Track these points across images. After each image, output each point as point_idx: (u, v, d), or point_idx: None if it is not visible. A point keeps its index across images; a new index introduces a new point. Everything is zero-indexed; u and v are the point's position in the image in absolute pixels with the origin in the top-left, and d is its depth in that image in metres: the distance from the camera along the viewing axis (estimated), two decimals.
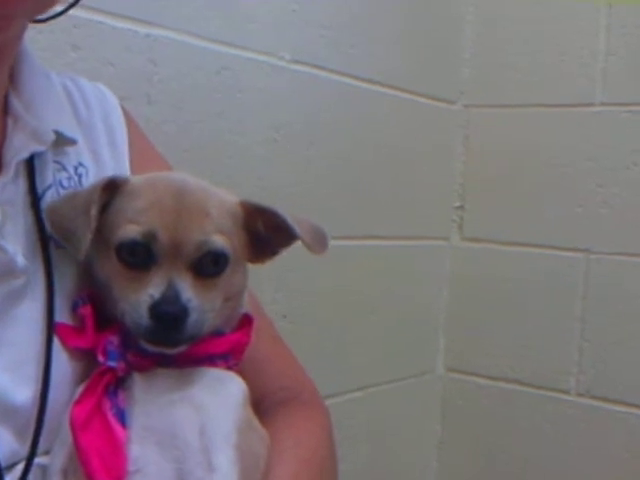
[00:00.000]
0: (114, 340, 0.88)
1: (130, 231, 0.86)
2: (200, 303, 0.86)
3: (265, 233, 0.95)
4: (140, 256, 0.86)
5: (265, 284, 1.60)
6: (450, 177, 2.16)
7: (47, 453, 0.87)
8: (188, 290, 0.85)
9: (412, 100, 2.00)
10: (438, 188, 2.14)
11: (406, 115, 1.99)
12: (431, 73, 2.07)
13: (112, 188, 0.90)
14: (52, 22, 1.23)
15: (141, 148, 1.09)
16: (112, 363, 0.87)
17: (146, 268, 0.86)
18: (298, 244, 0.94)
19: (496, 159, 2.13)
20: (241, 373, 0.96)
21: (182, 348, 0.87)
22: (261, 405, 1.02)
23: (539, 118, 2.06)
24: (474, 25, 2.14)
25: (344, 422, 1.86)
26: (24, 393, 0.85)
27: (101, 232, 0.89)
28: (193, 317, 0.84)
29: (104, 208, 0.90)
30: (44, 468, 0.86)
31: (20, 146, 0.90)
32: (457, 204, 2.18)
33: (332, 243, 1.76)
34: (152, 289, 0.84)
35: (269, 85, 1.61)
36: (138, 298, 0.84)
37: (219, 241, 0.87)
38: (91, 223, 0.86)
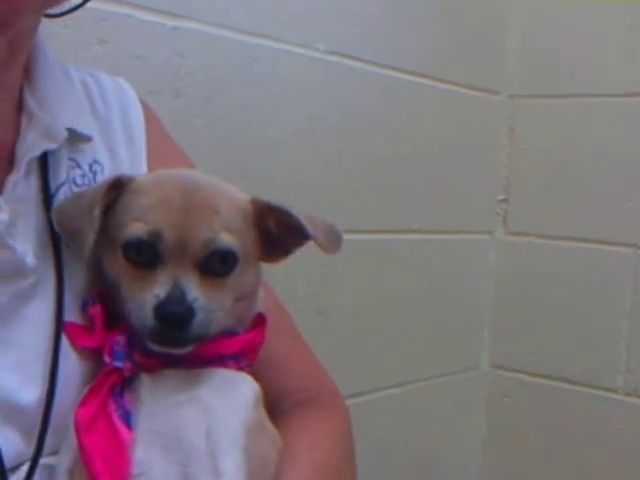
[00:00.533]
0: (121, 340, 0.87)
1: (136, 229, 0.84)
2: (207, 303, 0.84)
3: (277, 232, 0.92)
4: (146, 255, 0.84)
5: (299, 279, 1.58)
6: (494, 169, 2.11)
7: (53, 454, 0.86)
8: (194, 289, 0.83)
9: (454, 91, 1.95)
10: (482, 181, 2.09)
11: (448, 107, 1.94)
12: (474, 62, 2.02)
13: (118, 187, 0.88)
14: (78, 16, 1.23)
15: (161, 145, 1.08)
16: (118, 363, 0.86)
17: (152, 267, 0.84)
18: None
19: (542, 151, 2.07)
20: (258, 373, 0.95)
21: (189, 349, 0.85)
22: (278, 406, 1.00)
23: (587, 108, 2.00)
24: (519, 12, 2.08)
25: (381, 419, 1.83)
26: (31, 393, 0.84)
27: (108, 231, 0.88)
28: (199, 317, 0.82)
29: (111, 207, 0.88)
30: (50, 468, 0.85)
31: (32, 144, 0.89)
32: (501, 197, 2.13)
33: (370, 237, 1.76)
34: (157, 288, 0.82)
35: (303, 77, 1.59)
36: (143, 297, 0.83)
37: (227, 239, 0.85)
38: (94, 223, 0.85)
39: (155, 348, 0.84)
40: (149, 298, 0.82)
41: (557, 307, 2.04)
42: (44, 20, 1.06)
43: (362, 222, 1.75)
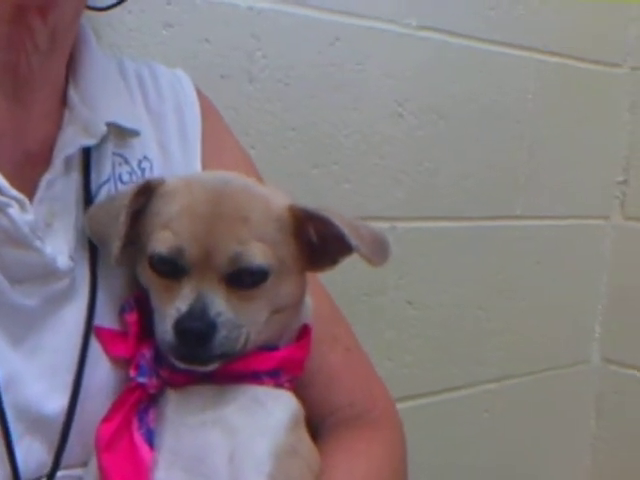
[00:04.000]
0: (147, 354, 0.83)
1: (159, 242, 0.80)
2: (233, 317, 0.78)
3: (319, 241, 0.85)
4: (170, 267, 0.80)
5: (388, 269, 1.50)
6: (613, 149, 1.95)
7: (80, 465, 0.83)
8: (219, 303, 0.78)
9: (569, 65, 1.80)
10: (599, 161, 1.93)
11: (562, 82, 1.79)
12: (592, 33, 1.84)
13: (148, 191, 0.84)
14: (141, 0, 1.19)
15: (217, 142, 1.04)
16: (142, 379, 0.82)
17: (178, 278, 0.80)
18: None
19: None
20: (306, 386, 0.90)
21: (214, 366, 0.80)
22: (325, 422, 0.95)
23: None
24: None
25: (477, 415, 1.74)
26: (57, 402, 0.82)
27: (140, 237, 0.84)
28: (222, 333, 0.77)
29: (141, 212, 0.85)
30: None
31: (69, 140, 0.87)
32: (620, 179, 1.96)
33: (466, 224, 1.66)
34: (179, 301, 0.78)
35: (392, 55, 1.48)
36: (166, 310, 0.79)
37: (256, 253, 0.79)
38: (120, 230, 0.81)
39: (178, 364, 0.80)
40: (170, 311, 0.78)
41: None
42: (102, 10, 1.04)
43: (459, 208, 1.64)
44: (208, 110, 1.05)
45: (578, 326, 1.96)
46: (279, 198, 0.85)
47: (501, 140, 1.70)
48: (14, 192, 0.80)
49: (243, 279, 0.79)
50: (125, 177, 0.93)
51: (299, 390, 0.87)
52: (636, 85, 1.93)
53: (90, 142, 0.88)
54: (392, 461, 0.94)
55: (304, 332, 0.89)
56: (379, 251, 0.84)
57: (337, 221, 0.82)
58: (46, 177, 0.84)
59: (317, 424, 0.91)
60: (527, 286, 1.80)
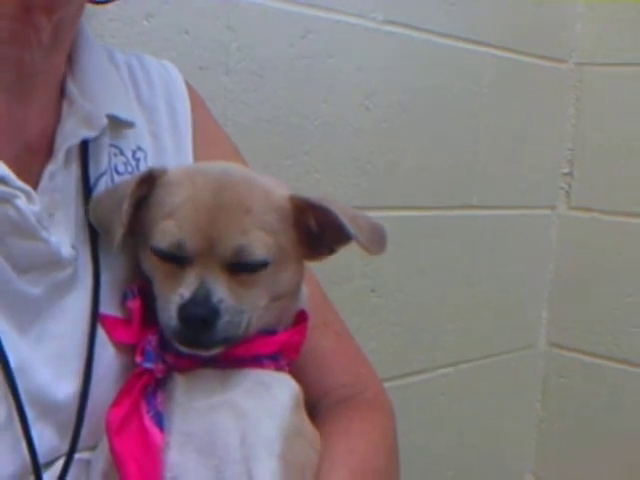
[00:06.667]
0: (152, 340, 0.85)
1: (163, 233, 0.82)
2: (235, 303, 0.81)
3: (318, 230, 0.88)
4: (173, 255, 0.82)
5: (354, 257, 1.54)
6: (559, 141, 2.03)
7: (88, 449, 0.85)
8: (222, 290, 0.80)
9: (519, 60, 1.86)
10: (545, 153, 2.01)
11: (512, 76, 1.86)
12: (539, 29, 1.92)
13: (151, 180, 0.86)
14: None
15: (206, 131, 1.05)
16: (148, 365, 0.84)
17: (181, 265, 0.82)
18: None
19: (610, 122, 1.97)
20: (300, 368, 0.93)
21: (217, 350, 0.83)
22: (320, 403, 0.98)
23: None
24: None
25: (435, 399, 1.80)
26: (67, 388, 0.83)
27: (142, 226, 0.86)
28: (225, 319, 0.80)
29: (144, 200, 0.86)
30: (84, 464, 0.85)
31: (71, 131, 0.88)
32: (565, 170, 2.04)
33: (426, 214, 1.71)
34: (183, 288, 0.80)
35: (360, 49, 1.53)
36: (169, 297, 0.81)
37: (258, 243, 0.82)
38: (123, 218, 0.83)
39: (182, 349, 0.82)
40: (174, 298, 0.81)
41: (620, 285, 1.96)
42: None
43: (420, 198, 1.70)
44: (196, 102, 1.06)
45: (526, 312, 2.04)
46: (279, 188, 0.88)
47: (459, 132, 1.76)
48: (20, 183, 0.80)
49: (245, 267, 0.82)
50: (121, 168, 0.94)
51: (293, 373, 0.90)
52: (581, 80, 2.01)
53: (91, 134, 0.89)
54: (386, 440, 0.98)
55: (301, 317, 0.92)
56: (377, 240, 0.88)
57: (337, 211, 0.85)
58: (49, 168, 0.85)
59: (311, 406, 0.94)
60: (481, 273, 1.87)
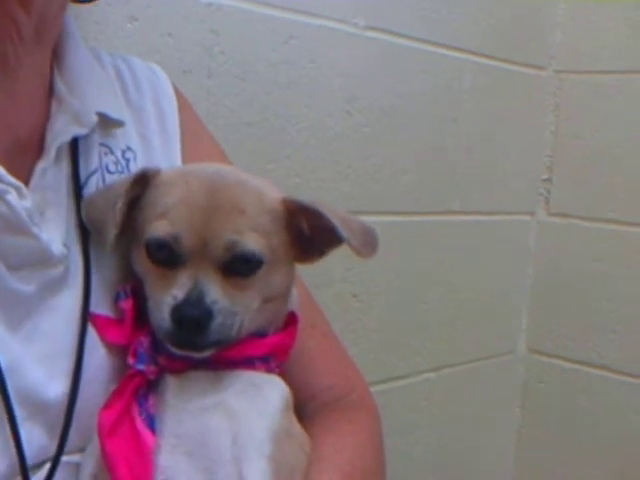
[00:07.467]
0: (144, 341, 0.85)
1: (156, 230, 0.82)
2: (228, 305, 0.81)
3: (310, 233, 0.88)
4: (167, 255, 0.82)
5: (335, 262, 1.54)
6: (538, 148, 2.04)
7: (78, 451, 0.84)
8: (215, 291, 0.80)
9: (498, 67, 1.88)
10: (524, 160, 2.02)
11: (492, 83, 1.87)
12: (519, 37, 1.94)
13: (144, 180, 0.85)
14: None
15: (194, 133, 1.05)
16: (140, 366, 0.84)
17: (174, 266, 0.82)
18: None
19: (589, 129, 1.99)
20: (288, 370, 0.93)
21: (210, 352, 0.82)
22: (307, 405, 0.98)
23: (637, 85, 1.91)
24: None
25: (417, 404, 1.80)
26: (57, 387, 0.83)
27: (135, 226, 0.85)
28: (218, 320, 0.80)
29: (137, 201, 0.86)
30: (73, 466, 0.84)
31: (61, 129, 0.88)
32: (544, 177, 2.05)
33: (407, 219, 1.71)
34: (176, 289, 0.80)
35: (342, 54, 1.53)
36: (162, 298, 0.81)
37: (251, 242, 0.82)
38: (116, 217, 0.83)
39: (174, 351, 0.82)
40: (167, 299, 0.80)
41: (599, 292, 1.97)
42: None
43: (400, 204, 1.70)
44: (183, 104, 1.06)
45: (506, 317, 2.04)
46: (272, 190, 0.88)
47: (440, 138, 1.76)
48: (11, 179, 0.80)
49: (238, 268, 0.82)
50: (111, 167, 0.94)
51: (281, 375, 0.90)
52: (560, 88, 2.02)
53: (82, 131, 0.88)
54: (373, 441, 0.98)
55: (291, 319, 0.92)
56: (368, 243, 0.88)
57: (329, 214, 0.85)
58: (40, 165, 0.85)
59: (299, 407, 0.94)
60: (462, 279, 1.88)
